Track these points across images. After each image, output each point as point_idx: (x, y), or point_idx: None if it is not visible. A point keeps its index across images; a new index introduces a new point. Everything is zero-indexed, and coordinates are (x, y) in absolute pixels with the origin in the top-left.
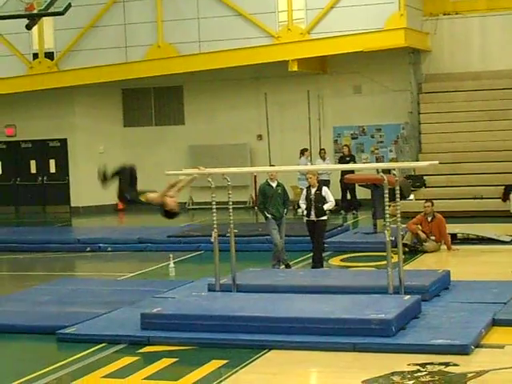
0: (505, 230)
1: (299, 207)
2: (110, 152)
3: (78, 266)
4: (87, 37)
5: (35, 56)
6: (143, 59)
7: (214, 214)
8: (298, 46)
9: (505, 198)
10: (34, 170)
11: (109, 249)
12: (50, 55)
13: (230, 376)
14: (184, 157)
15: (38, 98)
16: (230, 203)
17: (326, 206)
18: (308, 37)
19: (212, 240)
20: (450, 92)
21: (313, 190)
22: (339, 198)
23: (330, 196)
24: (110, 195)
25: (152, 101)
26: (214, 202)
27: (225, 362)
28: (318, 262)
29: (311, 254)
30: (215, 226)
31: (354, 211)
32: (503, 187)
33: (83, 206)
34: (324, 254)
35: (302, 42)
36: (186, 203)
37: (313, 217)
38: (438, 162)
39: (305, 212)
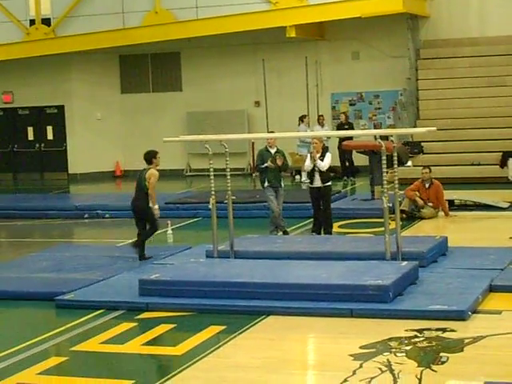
0: (502, 196)
1: (297, 174)
2: (108, 119)
3: (76, 232)
4: (84, 3)
5: (32, 22)
6: (140, 25)
7: (212, 181)
8: (296, 12)
9: (502, 164)
10: (31, 137)
11: (107, 215)
12: (46, 21)
13: (228, 341)
14: (181, 123)
15: (35, 65)
16: (228, 170)
17: (322, 163)
18: (306, 2)
19: (210, 207)
20: (448, 58)
21: (317, 156)
22: (338, 164)
23: (327, 160)
24: (107, 162)
25: (149, 67)
26: (211, 169)
27: (223, 327)
28: (330, 227)
29: (310, 220)
30: (213, 192)
31: (352, 178)
32: (501, 153)
33: (81, 173)
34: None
35: (299, 8)
36: (183, 170)
37: (318, 183)
38: (435, 128)
39: (303, 178)
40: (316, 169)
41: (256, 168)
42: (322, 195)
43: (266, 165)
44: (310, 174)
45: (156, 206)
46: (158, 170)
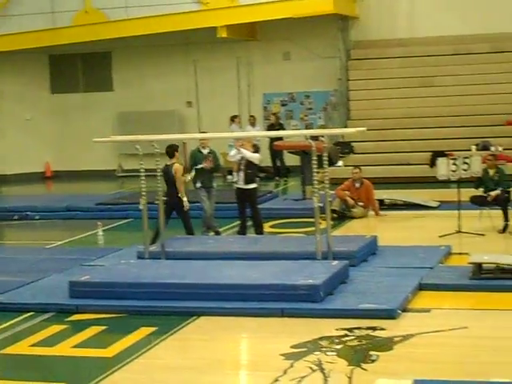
0: (432, 195)
1: (229, 174)
2: (38, 119)
3: (5, 234)
4: (13, 2)
5: None
6: (71, 25)
7: (143, 182)
8: (227, 12)
9: (432, 164)
10: None
11: (37, 217)
12: None
13: (159, 343)
14: (112, 124)
15: None
16: (159, 170)
17: (251, 154)
18: (237, 3)
19: (141, 207)
20: (378, 59)
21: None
22: (269, 164)
23: (256, 155)
24: (37, 163)
25: (80, 67)
26: (142, 170)
27: (154, 329)
28: (260, 227)
29: (239, 222)
30: (144, 193)
31: (284, 178)
32: (430, 153)
33: (10, 174)
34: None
35: (230, 8)
36: (115, 170)
37: (241, 183)
38: (365, 128)
39: (235, 178)
40: (241, 168)
41: (191, 169)
42: (246, 197)
43: (202, 166)
44: (237, 173)
45: (185, 199)
46: (86, 171)
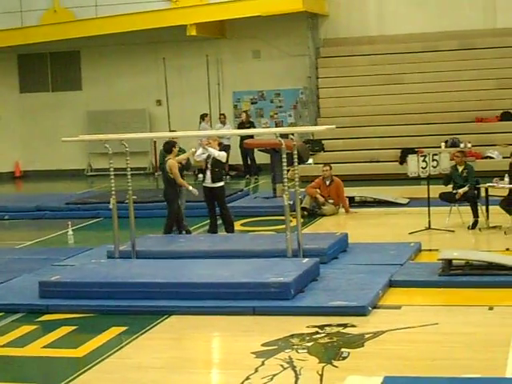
0: (401, 192)
1: (200, 173)
2: (6, 119)
3: None
4: None
5: None
6: (39, 24)
7: (112, 181)
8: (196, 11)
9: (402, 161)
10: None
11: (6, 217)
12: None
13: (130, 342)
14: (82, 123)
15: None
16: (129, 169)
17: (218, 152)
18: (206, 1)
19: (110, 207)
20: (347, 56)
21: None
22: (240, 162)
23: (222, 153)
24: (6, 162)
25: (49, 66)
26: (111, 169)
27: (125, 328)
28: (231, 226)
29: (209, 221)
30: (113, 192)
31: (254, 176)
32: (400, 150)
33: None
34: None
35: (200, 7)
36: (84, 170)
37: (208, 181)
38: (335, 126)
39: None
40: (208, 166)
41: (160, 168)
42: (214, 196)
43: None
44: (204, 172)
45: (190, 188)
46: (55, 171)
